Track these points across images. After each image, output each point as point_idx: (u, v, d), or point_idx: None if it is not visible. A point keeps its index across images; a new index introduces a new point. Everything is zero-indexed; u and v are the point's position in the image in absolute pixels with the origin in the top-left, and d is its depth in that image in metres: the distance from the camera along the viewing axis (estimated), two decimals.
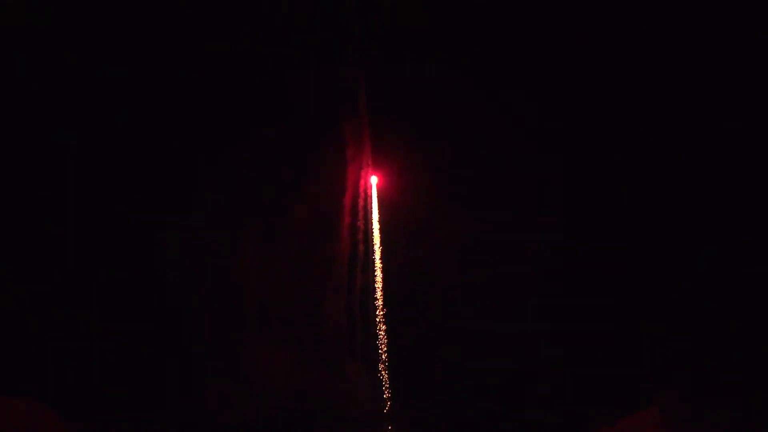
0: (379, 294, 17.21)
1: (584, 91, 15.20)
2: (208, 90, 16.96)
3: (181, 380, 14.20)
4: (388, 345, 15.79)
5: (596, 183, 15.43)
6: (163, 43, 16.37)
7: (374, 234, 17.57)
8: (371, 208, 17.73)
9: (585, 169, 16.01)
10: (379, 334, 16.85)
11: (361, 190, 17.58)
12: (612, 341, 14.48)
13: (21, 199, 14.40)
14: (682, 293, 13.03)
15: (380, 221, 17.78)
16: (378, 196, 17.65)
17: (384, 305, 17.15)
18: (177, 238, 14.83)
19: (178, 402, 15.16)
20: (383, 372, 15.60)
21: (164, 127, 16.81)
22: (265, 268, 15.38)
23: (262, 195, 17.11)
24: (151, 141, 16.61)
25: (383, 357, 15.75)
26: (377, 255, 17.45)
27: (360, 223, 17.51)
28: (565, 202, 15.97)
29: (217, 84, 16.96)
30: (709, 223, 13.25)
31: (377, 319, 17.03)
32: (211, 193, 16.60)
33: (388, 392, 15.40)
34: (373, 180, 17.87)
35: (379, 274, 17.28)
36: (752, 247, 12.50)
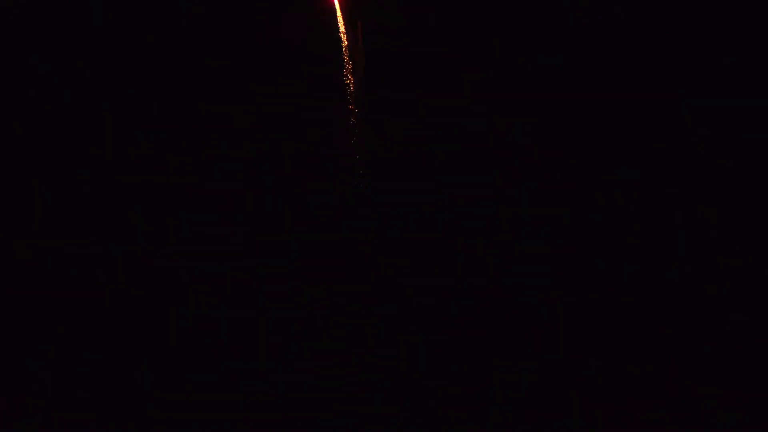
0: None
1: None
2: None
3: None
4: None
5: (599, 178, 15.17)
6: None
7: None
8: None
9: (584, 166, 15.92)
10: None
11: None
12: (611, 340, 14.34)
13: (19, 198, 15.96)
14: (682, 292, 12.98)
15: None
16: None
17: None
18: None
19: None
20: None
21: None
22: None
23: None
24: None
25: None
26: None
27: None
28: (565, 194, 15.84)
29: None
30: (709, 221, 13.25)
31: None
32: None
33: None
34: None
35: None
36: (753, 245, 12.55)
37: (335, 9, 9.74)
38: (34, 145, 7.93)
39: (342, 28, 9.71)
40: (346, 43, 9.60)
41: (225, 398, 6.18)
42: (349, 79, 9.09)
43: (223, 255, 7.14)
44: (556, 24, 8.52)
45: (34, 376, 6.59)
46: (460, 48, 8.35)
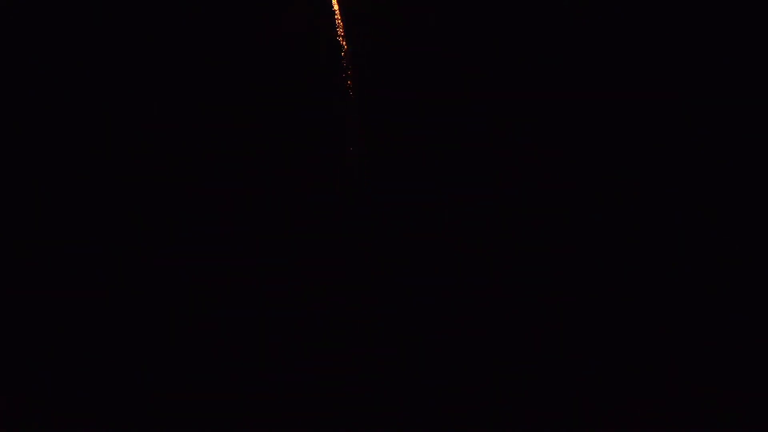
0: None
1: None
2: None
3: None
4: None
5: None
6: None
7: None
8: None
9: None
10: None
11: None
12: (611, 340, 14.17)
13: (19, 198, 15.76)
14: (682, 291, 12.81)
15: None
16: None
17: None
18: None
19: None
20: None
21: None
22: None
23: None
24: None
25: None
26: None
27: None
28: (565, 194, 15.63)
29: None
30: (709, 221, 13.08)
31: None
32: None
33: None
34: None
35: None
36: (753, 245, 12.37)
37: (335, 9, 9.69)
38: (34, 145, 7.93)
39: (341, 29, 9.68)
40: (346, 43, 9.56)
41: (225, 398, 6.15)
42: (349, 79, 9.05)
43: (223, 255, 7.11)
44: (556, 24, 8.52)
45: (34, 376, 6.57)
46: (460, 48, 8.33)
